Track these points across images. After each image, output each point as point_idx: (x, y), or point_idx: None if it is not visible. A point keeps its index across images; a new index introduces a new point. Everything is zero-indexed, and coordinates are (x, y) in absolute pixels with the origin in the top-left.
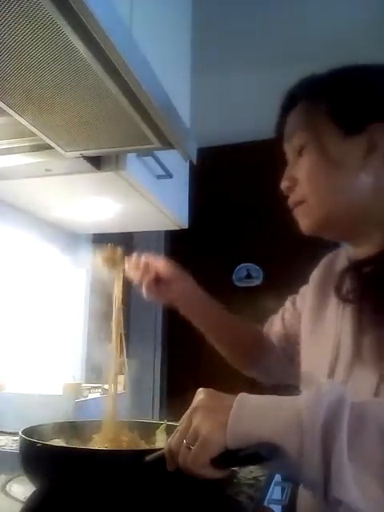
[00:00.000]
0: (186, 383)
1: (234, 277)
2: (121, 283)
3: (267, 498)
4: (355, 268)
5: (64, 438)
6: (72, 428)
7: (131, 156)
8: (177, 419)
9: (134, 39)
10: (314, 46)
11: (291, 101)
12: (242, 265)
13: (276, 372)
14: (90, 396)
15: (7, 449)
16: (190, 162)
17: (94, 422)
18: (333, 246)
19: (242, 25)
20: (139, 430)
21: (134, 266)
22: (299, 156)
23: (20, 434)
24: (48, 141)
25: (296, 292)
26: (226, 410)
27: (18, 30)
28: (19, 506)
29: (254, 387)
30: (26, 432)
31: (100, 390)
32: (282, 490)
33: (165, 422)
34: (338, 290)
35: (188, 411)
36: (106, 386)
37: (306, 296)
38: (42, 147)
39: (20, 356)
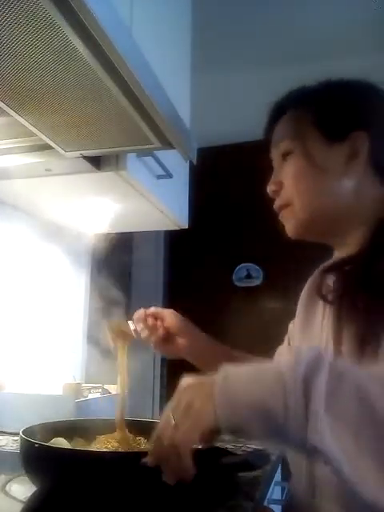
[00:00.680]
0: None
1: (233, 277)
2: (125, 353)
3: (267, 497)
4: (337, 267)
5: (65, 437)
6: (72, 427)
7: (131, 156)
8: None
9: (134, 39)
10: (314, 46)
11: (280, 110)
12: (242, 265)
13: None
14: (90, 396)
15: (7, 449)
16: (190, 162)
17: (94, 421)
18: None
19: (242, 25)
20: (139, 429)
21: (141, 320)
22: (284, 161)
23: (20, 434)
24: (48, 141)
25: (295, 292)
26: (214, 383)
27: (17, 30)
28: (19, 506)
29: None
30: (26, 432)
31: (100, 390)
32: (282, 489)
33: None
34: (318, 288)
35: (176, 393)
36: (106, 386)
37: (297, 307)
38: (41, 147)
39: (20, 356)
